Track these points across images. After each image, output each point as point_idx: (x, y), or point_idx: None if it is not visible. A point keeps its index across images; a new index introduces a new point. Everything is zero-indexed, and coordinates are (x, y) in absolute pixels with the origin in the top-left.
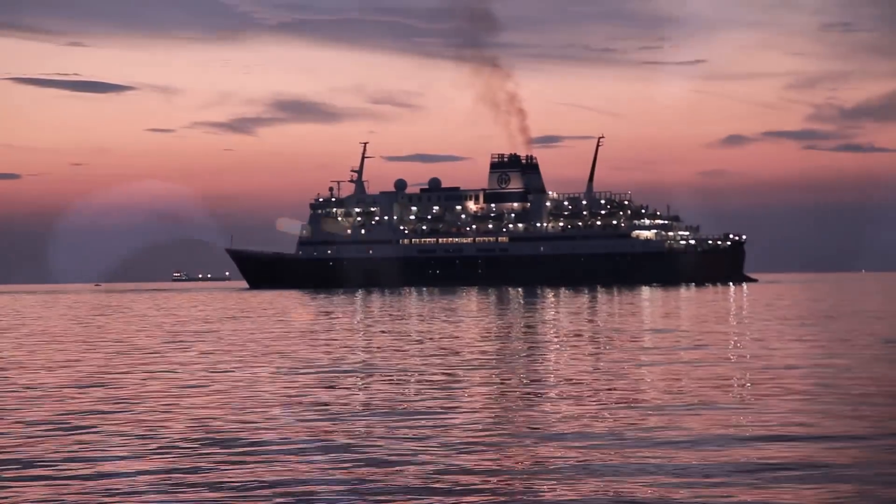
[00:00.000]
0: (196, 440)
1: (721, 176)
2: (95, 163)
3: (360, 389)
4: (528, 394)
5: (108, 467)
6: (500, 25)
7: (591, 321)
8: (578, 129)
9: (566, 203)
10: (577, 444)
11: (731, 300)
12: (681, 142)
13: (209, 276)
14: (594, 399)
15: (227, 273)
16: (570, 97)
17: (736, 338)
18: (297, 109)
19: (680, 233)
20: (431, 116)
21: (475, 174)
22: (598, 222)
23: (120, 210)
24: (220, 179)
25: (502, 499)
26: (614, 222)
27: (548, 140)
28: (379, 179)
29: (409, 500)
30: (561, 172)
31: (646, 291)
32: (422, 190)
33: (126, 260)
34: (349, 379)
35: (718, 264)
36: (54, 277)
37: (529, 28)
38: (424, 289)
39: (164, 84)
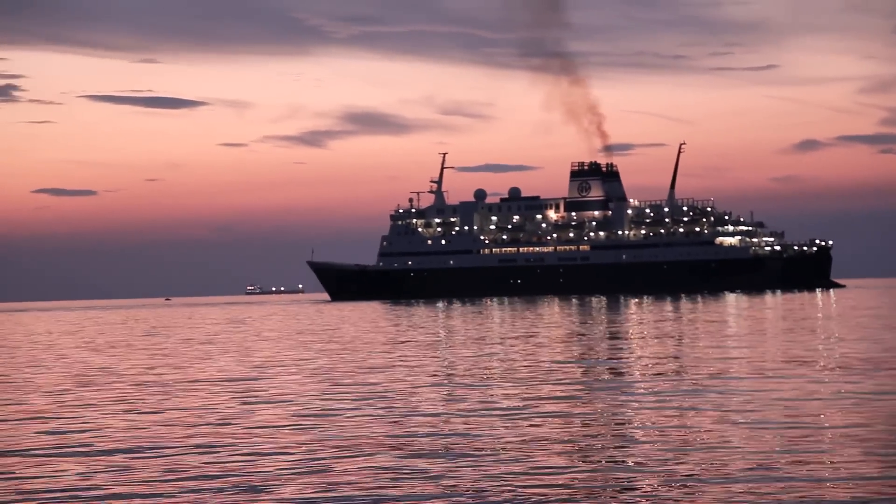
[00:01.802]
0: None
1: (795, 181)
2: (169, 178)
3: None
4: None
5: None
6: (570, 34)
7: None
8: (649, 137)
9: (648, 210)
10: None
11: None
12: (753, 148)
13: (282, 288)
14: None
15: (300, 286)
16: (640, 105)
17: None
18: (368, 122)
19: (765, 239)
20: (502, 126)
21: (547, 182)
22: (681, 229)
23: (193, 224)
24: (292, 193)
25: None
26: (697, 229)
27: (619, 148)
28: (450, 190)
29: None
30: (632, 180)
31: (732, 299)
32: (502, 199)
33: (198, 274)
34: None
35: (805, 270)
36: (122, 292)
37: (599, 36)
38: (506, 298)
39: (236, 99)
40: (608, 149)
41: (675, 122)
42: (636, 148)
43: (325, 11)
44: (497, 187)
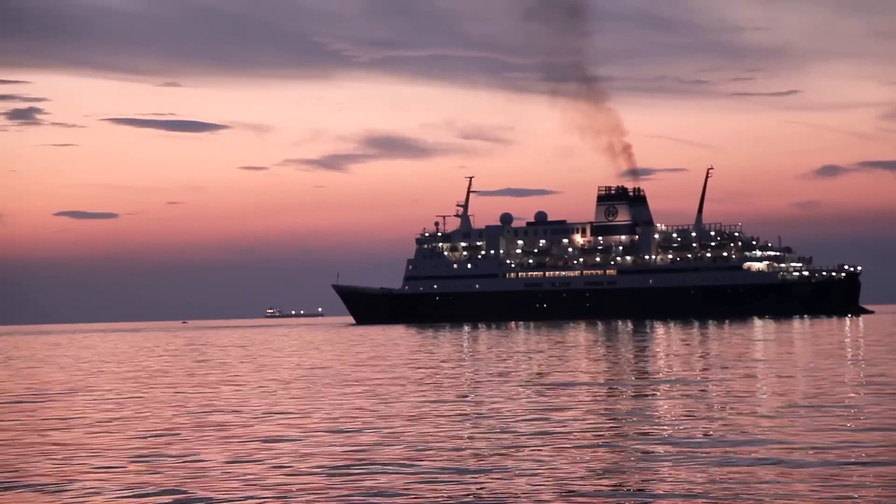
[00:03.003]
0: None
1: (817, 207)
2: (190, 201)
3: None
4: None
5: None
6: (592, 59)
7: None
8: (671, 162)
9: (675, 235)
10: None
11: None
12: (775, 173)
13: (301, 312)
14: None
15: (319, 309)
16: (662, 130)
17: None
18: (389, 146)
19: (793, 264)
20: (523, 150)
21: (569, 207)
22: (709, 254)
23: (213, 247)
24: (312, 216)
25: None
26: (725, 254)
27: (641, 173)
28: (472, 214)
29: None
30: (654, 205)
31: (759, 324)
32: (528, 223)
33: (216, 297)
34: None
35: (833, 296)
36: (141, 315)
37: (621, 61)
38: (532, 323)
39: (257, 122)
40: (632, 173)
41: (697, 147)
42: (657, 173)
43: (346, 36)
44: (519, 211)
